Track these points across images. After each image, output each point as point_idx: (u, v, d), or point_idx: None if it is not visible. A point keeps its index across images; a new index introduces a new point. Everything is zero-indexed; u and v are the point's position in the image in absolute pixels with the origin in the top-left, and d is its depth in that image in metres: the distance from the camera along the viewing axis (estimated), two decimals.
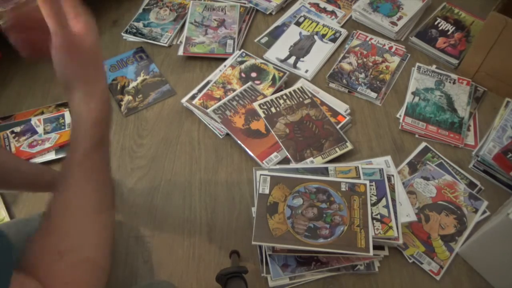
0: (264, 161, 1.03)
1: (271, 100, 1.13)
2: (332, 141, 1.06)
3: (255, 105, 1.12)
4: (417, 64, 1.23)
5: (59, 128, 1.12)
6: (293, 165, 1.01)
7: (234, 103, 1.13)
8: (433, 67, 1.23)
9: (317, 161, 1.02)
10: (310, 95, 1.14)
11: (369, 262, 0.90)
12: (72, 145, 0.44)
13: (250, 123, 1.10)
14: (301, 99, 1.13)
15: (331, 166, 0.98)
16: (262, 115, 1.10)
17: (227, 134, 1.11)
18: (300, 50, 1.28)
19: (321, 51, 1.28)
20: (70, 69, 0.44)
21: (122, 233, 0.97)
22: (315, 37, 1.32)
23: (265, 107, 1.12)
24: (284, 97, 1.13)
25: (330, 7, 1.41)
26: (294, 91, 1.15)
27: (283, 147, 1.04)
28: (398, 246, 0.91)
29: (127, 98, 1.21)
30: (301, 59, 1.26)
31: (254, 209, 0.91)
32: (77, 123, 0.44)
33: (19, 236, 0.77)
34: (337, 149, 1.04)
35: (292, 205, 0.90)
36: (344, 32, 1.32)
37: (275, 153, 1.04)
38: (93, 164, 0.45)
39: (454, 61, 1.23)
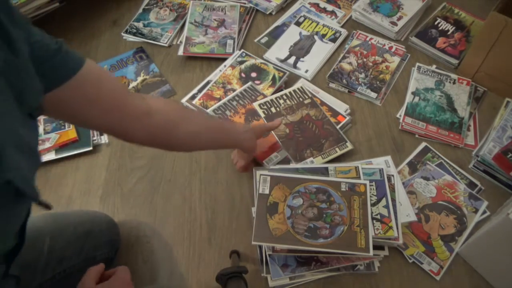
0: (264, 161, 1.03)
1: (271, 100, 1.13)
2: (332, 141, 1.06)
3: (255, 105, 1.11)
4: (417, 64, 1.23)
5: (59, 128, 1.11)
6: (293, 165, 1.01)
7: (234, 103, 1.13)
8: (433, 67, 1.23)
9: (317, 161, 1.02)
10: (310, 95, 1.14)
11: (369, 262, 0.90)
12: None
13: (250, 123, 1.10)
14: (301, 99, 1.13)
15: (331, 166, 0.98)
16: (262, 115, 1.10)
17: None
18: (300, 50, 1.28)
19: (321, 51, 1.28)
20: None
21: (122, 233, 0.97)
22: (315, 37, 1.32)
23: (265, 107, 1.11)
24: (284, 97, 1.13)
25: (330, 7, 1.41)
26: (294, 91, 1.15)
27: (283, 147, 1.04)
28: (398, 246, 0.91)
29: None
30: (301, 59, 1.26)
31: (254, 209, 0.91)
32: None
33: (55, 227, 0.76)
34: (337, 149, 1.04)
35: (292, 205, 0.90)
36: (344, 32, 1.32)
37: (275, 153, 1.04)
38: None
39: (454, 61, 1.23)
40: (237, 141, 0.88)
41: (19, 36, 0.42)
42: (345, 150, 1.05)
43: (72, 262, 0.76)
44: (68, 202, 1.02)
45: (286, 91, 1.14)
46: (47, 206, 0.45)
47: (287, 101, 1.12)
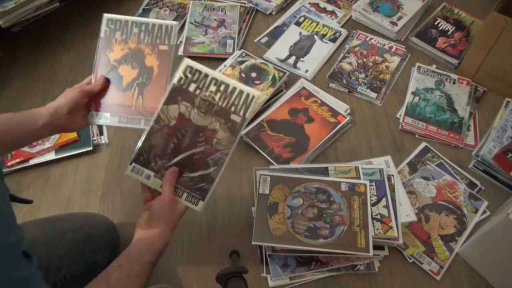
0: (90, 112, 0.80)
1: (206, 74, 0.75)
2: (192, 183, 0.74)
3: (187, 59, 0.77)
4: (417, 64, 1.23)
5: None
6: (293, 165, 1.01)
7: (136, 29, 0.88)
8: (433, 67, 1.23)
9: (152, 183, 0.76)
10: (245, 117, 0.74)
11: (369, 262, 0.90)
12: (138, 253, 0.68)
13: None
14: (232, 110, 0.74)
15: (331, 166, 0.98)
16: (176, 78, 0.75)
17: None
18: (300, 50, 1.28)
19: (321, 51, 1.28)
20: (164, 215, 0.72)
21: (122, 233, 0.97)
22: (315, 37, 1.32)
23: (191, 74, 0.75)
24: (221, 89, 0.74)
25: (330, 7, 1.41)
26: (240, 92, 0.74)
27: (146, 134, 0.74)
28: (398, 246, 0.91)
29: None
30: (301, 59, 1.26)
31: (254, 209, 0.91)
32: (148, 245, 0.70)
33: (53, 235, 0.76)
34: (184, 196, 0.74)
35: (292, 205, 0.90)
36: (344, 32, 1.32)
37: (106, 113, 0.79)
38: (146, 269, 0.68)
39: (454, 61, 1.23)
40: (40, 132, 0.73)
41: None
42: (189, 205, 0.74)
43: (73, 268, 0.76)
44: (68, 202, 1.01)
45: (231, 84, 0.75)
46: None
47: (218, 97, 0.74)
